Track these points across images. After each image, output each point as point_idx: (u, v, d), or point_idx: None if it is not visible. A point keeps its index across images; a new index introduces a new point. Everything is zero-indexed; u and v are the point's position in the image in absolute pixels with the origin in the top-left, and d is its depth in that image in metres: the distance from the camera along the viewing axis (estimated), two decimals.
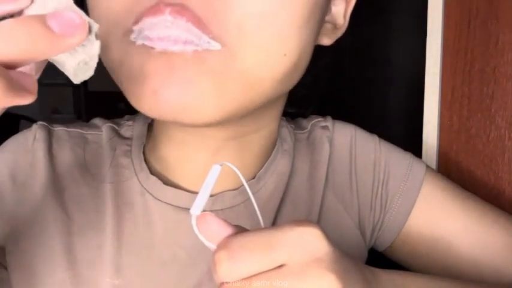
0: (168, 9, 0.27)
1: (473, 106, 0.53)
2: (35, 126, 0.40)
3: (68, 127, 0.42)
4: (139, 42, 0.28)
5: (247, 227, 0.30)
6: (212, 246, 0.27)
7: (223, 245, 0.26)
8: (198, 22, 0.27)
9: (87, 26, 0.21)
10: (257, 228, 0.28)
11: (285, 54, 0.30)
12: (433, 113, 0.57)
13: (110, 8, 0.30)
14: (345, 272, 0.27)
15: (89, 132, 0.42)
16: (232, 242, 0.26)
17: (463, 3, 0.53)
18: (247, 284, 0.26)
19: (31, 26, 0.19)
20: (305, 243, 0.27)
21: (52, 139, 0.40)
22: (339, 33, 0.38)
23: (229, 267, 0.25)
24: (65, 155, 0.39)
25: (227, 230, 0.27)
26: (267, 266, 0.26)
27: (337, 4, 0.37)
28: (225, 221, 0.28)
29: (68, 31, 0.20)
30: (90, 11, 0.32)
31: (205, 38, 0.28)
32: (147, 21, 0.27)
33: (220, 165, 0.29)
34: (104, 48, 0.29)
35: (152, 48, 0.28)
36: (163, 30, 0.27)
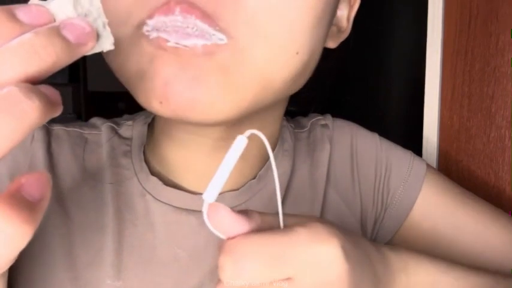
0: (177, 8, 0.27)
1: (474, 106, 0.53)
2: None
3: (66, 126, 0.41)
4: (153, 35, 0.28)
5: None
6: (221, 236, 0.25)
7: (229, 249, 0.25)
8: (207, 17, 0.27)
9: (96, 32, 0.22)
10: (271, 231, 0.25)
11: (297, 53, 0.30)
12: (433, 113, 0.57)
13: (119, 2, 0.29)
14: None
15: (88, 132, 0.41)
16: (240, 248, 0.24)
17: (463, 3, 0.53)
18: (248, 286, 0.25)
19: (53, 41, 0.20)
20: (319, 265, 0.25)
21: (51, 139, 0.39)
22: (343, 37, 0.38)
23: (232, 275, 0.24)
24: (65, 155, 0.39)
25: (240, 228, 0.25)
26: (271, 279, 0.25)
27: (342, 8, 0.37)
28: (240, 215, 0.26)
29: (81, 40, 0.21)
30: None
31: (210, 30, 0.27)
32: (160, 19, 0.27)
33: (247, 137, 0.24)
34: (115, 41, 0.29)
35: (166, 41, 0.28)
36: (175, 29, 0.28)
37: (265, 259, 0.24)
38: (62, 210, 0.37)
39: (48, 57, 0.19)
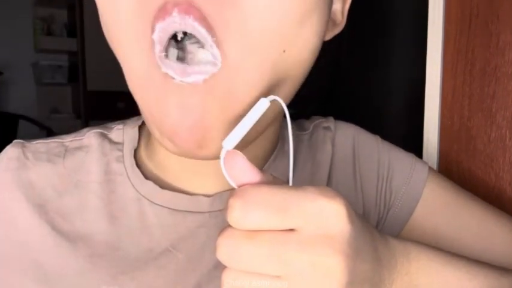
0: (175, 9, 0.27)
1: (474, 106, 0.53)
2: (7, 146, 0.40)
3: (47, 139, 0.42)
4: (163, 69, 0.29)
5: None
6: (234, 184, 0.27)
7: (241, 193, 0.26)
8: (204, 20, 0.27)
9: None
10: (281, 186, 0.27)
11: (284, 51, 0.30)
12: (434, 113, 0.57)
13: (118, 12, 0.29)
14: (355, 254, 0.27)
15: (70, 140, 0.41)
16: (250, 193, 0.26)
17: (464, 3, 0.53)
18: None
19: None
20: (323, 218, 0.26)
21: (27, 155, 0.40)
22: (337, 30, 0.38)
23: (239, 217, 0.25)
24: (42, 167, 0.39)
25: (253, 177, 0.27)
26: (277, 227, 0.25)
27: (336, 2, 0.37)
28: (254, 167, 0.27)
29: None
30: (100, 17, 0.31)
31: (209, 40, 0.28)
32: (160, 27, 0.28)
33: (270, 101, 0.27)
34: (128, 61, 0.30)
35: (172, 78, 0.29)
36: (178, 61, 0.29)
37: (273, 207, 0.25)
38: (46, 222, 0.37)
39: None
